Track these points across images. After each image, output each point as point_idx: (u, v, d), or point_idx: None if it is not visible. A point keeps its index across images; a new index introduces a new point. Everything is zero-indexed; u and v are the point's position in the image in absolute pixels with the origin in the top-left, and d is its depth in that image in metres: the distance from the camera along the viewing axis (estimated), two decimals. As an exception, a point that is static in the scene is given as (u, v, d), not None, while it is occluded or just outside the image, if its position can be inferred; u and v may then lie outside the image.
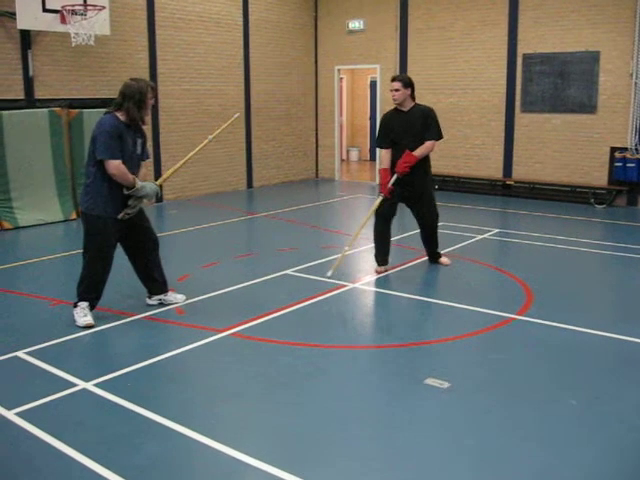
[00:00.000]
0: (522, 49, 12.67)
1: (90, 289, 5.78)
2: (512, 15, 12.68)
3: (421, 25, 13.88)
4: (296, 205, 12.03)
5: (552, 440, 3.90)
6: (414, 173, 7.14)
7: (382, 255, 7.49)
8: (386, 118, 7.45)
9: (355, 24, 14.79)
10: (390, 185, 7.14)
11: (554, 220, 10.71)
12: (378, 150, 7.53)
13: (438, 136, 7.24)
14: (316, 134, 15.99)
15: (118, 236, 5.81)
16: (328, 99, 15.69)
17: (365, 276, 7.33)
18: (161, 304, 6.25)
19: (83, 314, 5.72)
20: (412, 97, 7.25)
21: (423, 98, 13.86)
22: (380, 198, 7.26)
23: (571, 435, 3.96)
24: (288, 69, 14.94)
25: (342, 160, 17.09)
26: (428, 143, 7.16)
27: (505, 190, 13.21)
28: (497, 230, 9.81)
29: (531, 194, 12.79)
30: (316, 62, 15.63)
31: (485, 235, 9.40)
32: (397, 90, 7.13)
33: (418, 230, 7.70)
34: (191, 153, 6.81)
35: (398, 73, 14.13)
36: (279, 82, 14.75)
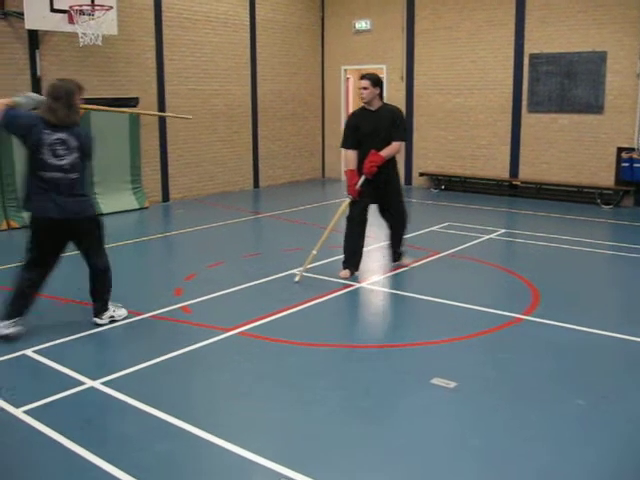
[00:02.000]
0: (529, 49, 12.65)
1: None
2: (519, 15, 12.67)
3: (428, 25, 13.88)
4: (302, 205, 12.04)
5: (559, 440, 3.90)
6: (383, 173, 7.05)
7: (352, 261, 7.30)
8: (353, 118, 7.30)
9: (362, 24, 14.79)
10: (358, 187, 7.05)
11: (560, 220, 10.70)
12: (343, 151, 7.40)
13: (404, 138, 7.19)
14: (322, 134, 15.99)
15: None
16: (334, 99, 15.68)
17: (372, 276, 7.33)
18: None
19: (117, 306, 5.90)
20: (380, 96, 7.12)
21: (430, 98, 13.94)
22: (348, 200, 7.20)
23: (578, 435, 3.96)
24: (294, 69, 14.96)
25: (348, 160, 17.09)
26: (395, 144, 7.05)
27: (511, 190, 13.19)
28: (503, 230, 9.80)
29: (537, 194, 12.77)
30: (322, 62, 15.64)
31: (491, 235, 9.39)
32: (365, 88, 6.99)
33: (425, 230, 7.68)
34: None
35: (404, 74, 14.16)
36: (286, 82, 14.76)
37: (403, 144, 7.17)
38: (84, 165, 5.51)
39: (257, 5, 13.77)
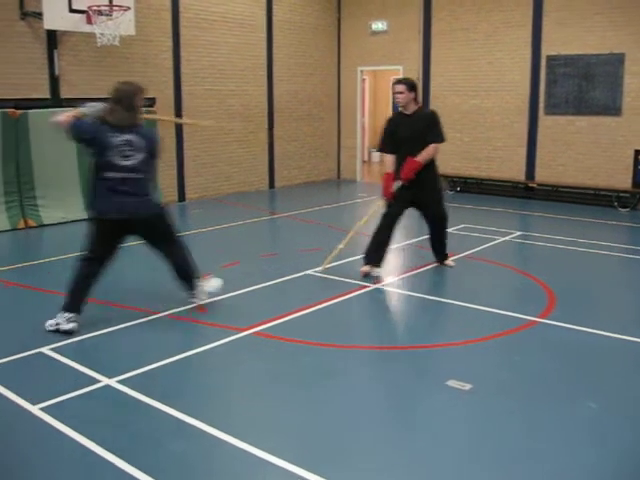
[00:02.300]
0: (546, 51, 12.60)
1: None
2: (536, 17, 12.61)
3: (444, 26, 13.85)
4: (317, 206, 12.05)
5: (572, 443, 3.88)
6: (420, 175, 7.10)
7: (375, 257, 7.31)
8: (390, 122, 7.40)
9: (378, 25, 14.78)
10: (393, 190, 7.12)
11: (577, 223, 10.64)
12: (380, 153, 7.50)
13: (441, 139, 7.23)
14: (338, 135, 15.99)
15: None
16: (350, 100, 15.68)
17: (387, 277, 7.33)
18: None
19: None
20: (416, 100, 7.21)
21: (446, 99, 13.90)
22: (378, 204, 7.30)
23: (590, 438, 3.93)
24: (311, 70, 14.97)
25: (364, 161, 17.09)
26: (431, 147, 7.11)
27: (527, 192, 13.13)
28: (519, 232, 9.77)
29: (554, 197, 12.71)
30: (339, 63, 15.64)
31: (507, 237, 9.36)
32: (401, 93, 7.07)
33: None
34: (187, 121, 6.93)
35: (421, 75, 14.13)
36: (302, 83, 14.78)
37: (439, 146, 7.21)
38: (150, 165, 5.72)
39: (274, 6, 13.80)
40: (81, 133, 5.57)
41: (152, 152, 5.70)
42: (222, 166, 13.18)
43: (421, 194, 7.23)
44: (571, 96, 12.41)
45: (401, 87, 7.07)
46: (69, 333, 5.52)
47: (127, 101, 5.55)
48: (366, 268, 7.28)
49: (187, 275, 6.08)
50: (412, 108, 7.17)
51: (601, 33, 11.96)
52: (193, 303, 6.15)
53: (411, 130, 7.09)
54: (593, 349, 5.34)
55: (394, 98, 7.22)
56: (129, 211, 5.59)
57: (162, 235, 5.92)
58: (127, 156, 5.51)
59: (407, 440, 3.96)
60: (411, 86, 7.13)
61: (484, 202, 12.58)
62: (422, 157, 7.05)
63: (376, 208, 7.41)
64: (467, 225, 10.10)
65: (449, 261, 7.74)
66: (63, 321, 5.55)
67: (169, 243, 5.96)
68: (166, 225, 5.93)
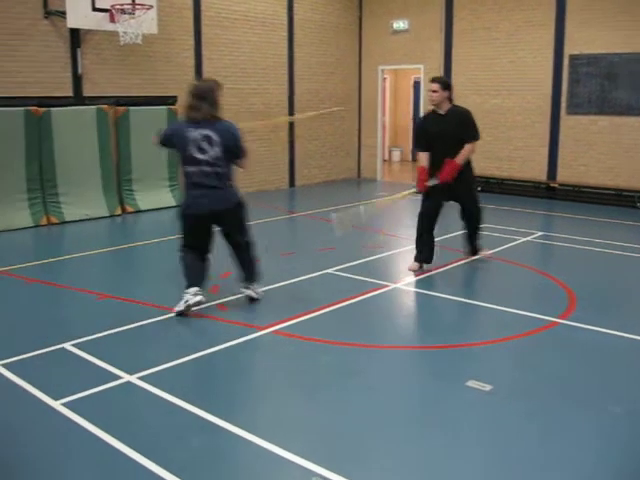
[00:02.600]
0: (569, 50, 12.51)
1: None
2: (559, 16, 12.52)
3: (466, 26, 13.79)
4: (337, 205, 12.02)
5: (591, 447, 3.85)
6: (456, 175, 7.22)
7: (421, 255, 7.50)
8: (423, 120, 7.60)
9: (399, 24, 14.75)
10: (428, 185, 7.22)
11: (598, 223, 10.56)
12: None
13: (476, 138, 7.30)
14: (359, 134, 15.99)
15: None
16: (371, 99, 15.67)
17: (406, 277, 7.32)
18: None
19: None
20: (450, 99, 7.31)
21: (467, 99, 13.82)
22: (412, 190, 7.56)
23: (612, 442, 3.90)
24: (332, 69, 14.97)
25: (384, 160, 17.06)
26: (467, 146, 7.21)
27: (549, 192, 13.04)
28: (541, 233, 9.71)
29: (575, 197, 12.62)
30: (360, 62, 15.64)
31: (528, 238, 9.31)
32: (435, 91, 7.19)
33: (461, 232, 7.73)
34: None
35: (442, 74, 14.07)
36: (323, 82, 14.78)
37: (476, 144, 7.34)
38: (228, 159, 5.88)
39: (295, 4, 13.82)
40: (163, 136, 5.99)
41: (230, 146, 5.82)
42: (243, 164, 13.19)
43: (457, 191, 7.34)
44: (594, 96, 12.32)
45: (436, 86, 7.19)
46: (199, 304, 5.97)
47: (210, 96, 5.76)
48: (413, 265, 7.47)
49: (249, 271, 6.30)
50: (446, 107, 7.28)
51: (625, 32, 11.85)
52: (241, 293, 6.35)
53: (445, 129, 7.18)
54: (615, 351, 5.29)
55: (429, 96, 7.36)
56: (208, 206, 5.82)
57: (236, 224, 6.11)
58: (204, 150, 5.71)
59: (428, 440, 3.96)
60: (445, 85, 7.27)
61: (505, 202, 12.52)
62: (460, 159, 7.17)
63: (401, 196, 7.79)
64: (488, 225, 10.02)
65: (483, 251, 7.91)
66: (189, 297, 5.87)
67: (242, 237, 6.15)
68: (243, 215, 6.14)
